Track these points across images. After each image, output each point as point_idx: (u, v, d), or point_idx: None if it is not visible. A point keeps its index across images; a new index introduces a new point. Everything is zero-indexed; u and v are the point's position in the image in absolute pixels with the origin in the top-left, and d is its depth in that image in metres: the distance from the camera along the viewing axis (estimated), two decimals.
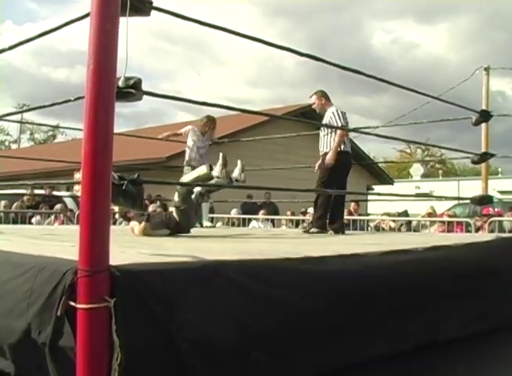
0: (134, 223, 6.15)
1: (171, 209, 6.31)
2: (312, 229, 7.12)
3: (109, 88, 2.42)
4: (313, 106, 7.76)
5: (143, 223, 5.92)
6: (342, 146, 7.19)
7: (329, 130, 7.25)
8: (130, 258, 2.71)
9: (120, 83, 3.10)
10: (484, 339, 4.59)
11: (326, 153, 7.25)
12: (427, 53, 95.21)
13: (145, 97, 3.37)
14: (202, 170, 6.03)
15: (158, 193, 16.41)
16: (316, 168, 7.51)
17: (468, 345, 4.36)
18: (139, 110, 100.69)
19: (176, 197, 6.17)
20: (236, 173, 6.43)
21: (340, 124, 7.11)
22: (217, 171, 6.07)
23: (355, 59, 78.70)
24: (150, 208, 11.37)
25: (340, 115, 7.18)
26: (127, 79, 3.16)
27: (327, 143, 7.27)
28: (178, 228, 6.00)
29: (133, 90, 3.20)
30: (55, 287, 2.40)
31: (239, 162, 6.50)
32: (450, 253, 4.73)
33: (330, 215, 7.28)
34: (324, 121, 7.43)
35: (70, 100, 4.04)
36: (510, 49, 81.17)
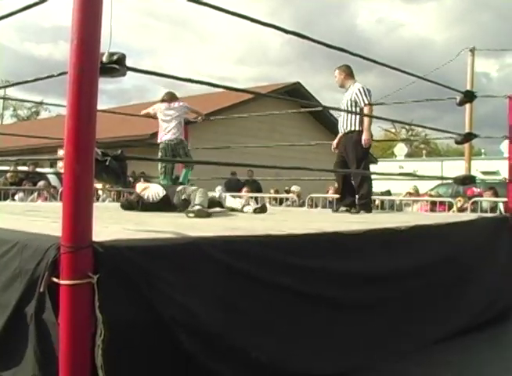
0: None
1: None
2: (362, 212, 6.84)
3: (92, 63, 2.39)
4: (335, 81, 7.42)
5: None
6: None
7: (353, 107, 6.96)
8: (113, 235, 2.71)
9: (104, 58, 3.07)
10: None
11: (350, 132, 6.99)
12: (413, 33, 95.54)
13: (128, 73, 3.34)
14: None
15: (142, 171, 16.36)
16: (334, 146, 7.29)
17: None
18: (123, 86, 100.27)
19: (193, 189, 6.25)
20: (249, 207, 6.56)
21: (366, 102, 6.88)
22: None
23: (341, 39, 78.58)
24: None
25: (367, 92, 6.94)
26: (110, 55, 3.13)
27: (351, 122, 6.99)
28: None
29: (117, 66, 3.16)
30: (39, 263, 2.40)
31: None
32: (433, 232, 4.78)
33: (346, 194, 7.17)
34: (348, 98, 7.08)
35: (53, 76, 3.99)
36: (495, 30, 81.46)
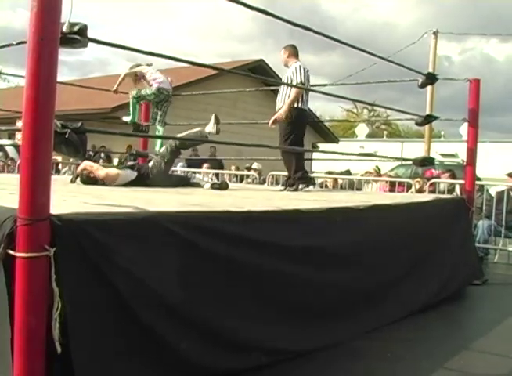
0: (111, 169, 6.25)
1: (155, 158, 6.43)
2: (301, 186, 6.87)
3: (53, 32, 2.35)
4: (280, 60, 7.45)
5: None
6: (299, 103, 6.93)
7: (288, 86, 6.98)
8: (71, 208, 2.69)
9: (65, 28, 3.02)
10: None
11: (280, 109, 7.03)
12: (377, 14, 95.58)
13: (90, 45, 3.29)
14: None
15: (102, 145, 16.20)
16: (271, 122, 7.20)
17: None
18: (84, 58, 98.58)
19: (162, 149, 6.44)
20: (209, 127, 6.60)
21: (299, 81, 6.83)
22: (210, 127, 6.56)
23: (304, 17, 78.47)
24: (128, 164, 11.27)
25: (302, 71, 6.91)
26: (72, 25, 3.08)
27: (284, 99, 7.02)
28: (146, 178, 6.12)
29: (78, 36, 3.12)
30: None
31: (212, 116, 6.68)
32: (391, 211, 4.85)
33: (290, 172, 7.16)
34: (285, 76, 7.15)
35: (12, 44, 3.92)
36: (457, 14, 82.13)
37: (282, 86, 7.25)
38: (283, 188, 7.21)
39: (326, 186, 11.05)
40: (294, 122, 6.89)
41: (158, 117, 8.55)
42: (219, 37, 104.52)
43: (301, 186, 6.83)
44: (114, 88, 8.80)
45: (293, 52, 7.28)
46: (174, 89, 8.84)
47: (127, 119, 8.71)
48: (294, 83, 6.82)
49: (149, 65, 8.47)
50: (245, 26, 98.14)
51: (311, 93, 7.18)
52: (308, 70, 7.04)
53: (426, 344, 4.06)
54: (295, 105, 6.88)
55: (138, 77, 8.50)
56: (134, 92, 8.45)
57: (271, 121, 7.12)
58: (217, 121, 6.61)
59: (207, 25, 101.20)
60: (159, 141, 8.56)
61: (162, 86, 8.26)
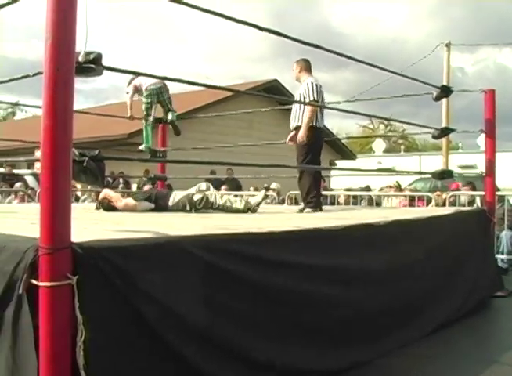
0: (128, 200, 6.19)
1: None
2: (307, 209, 6.66)
3: (68, 63, 2.37)
4: (292, 75, 7.27)
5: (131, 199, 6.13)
6: (314, 122, 6.72)
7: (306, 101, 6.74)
8: (92, 235, 2.69)
9: (80, 58, 3.05)
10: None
11: (298, 127, 6.80)
12: (387, 29, 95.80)
13: (105, 72, 3.32)
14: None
15: (120, 171, 16.30)
16: (287, 140, 7.13)
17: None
18: (99, 86, 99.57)
19: (197, 197, 6.23)
20: (256, 199, 6.47)
21: (312, 98, 6.65)
22: (257, 199, 6.43)
23: (315, 35, 78.72)
24: (146, 187, 11.30)
25: (314, 88, 6.71)
26: (87, 54, 3.11)
27: (299, 117, 6.81)
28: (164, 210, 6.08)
29: (93, 65, 3.15)
30: (17, 265, 2.36)
31: (262, 193, 6.62)
32: (412, 226, 4.81)
33: (307, 193, 6.90)
34: (298, 92, 6.96)
35: (28, 76, 3.97)
36: (467, 25, 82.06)
37: (295, 104, 7.08)
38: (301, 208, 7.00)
39: (339, 202, 10.99)
40: (310, 142, 6.70)
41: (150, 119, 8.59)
42: (231, 59, 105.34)
43: (306, 210, 6.67)
44: (129, 115, 8.88)
45: (306, 66, 7.07)
46: (189, 113, 8.93)
47: (142, 147, 8.76)
48: (307, 100, 6.69)
49: None
50: (256, 46, 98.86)
51: (326, 110, 7.09)
52: (320, 86, 6.86)
53: (453, 358, 4.01)
54: (312, 124, 6.69)
55: (139, 91, 8.60)
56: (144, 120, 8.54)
57: (287, 139, 7.06)
58: (265, 197, 6.56)
59: (218, 47, 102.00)
60: (148, 137, 8.68)
61: (148, 87, 8.32)
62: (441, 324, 4.66)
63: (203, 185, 6.50)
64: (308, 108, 6.67)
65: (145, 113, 8.53)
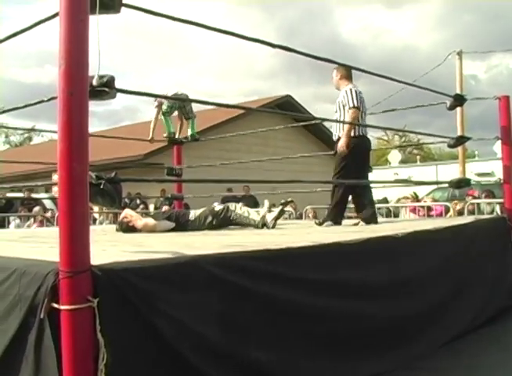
0: (148, 220, 6.22)
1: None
2: (326, 223, 6.51)
3: (82, 87, 2.40)
4: (332, 82, 7.05)
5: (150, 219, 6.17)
6: (356, 130, 6.52)
7: (342, 111, 6.62)
8: (111, 257, 2.70)
9: (94, 82, 3.08)
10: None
11: (338, 139, 6.60)
12: (397, 39, 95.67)
13: (118, 94, 3.35)
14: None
15: (137, 191, 16.36)
16: (334, 152, 6.82)
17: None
18: (112, 108, 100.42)
19: (218, 207, 6.33)
20: (271, 216, 6.38)
21: (351, 105, 6.46)
22: (271, 216, 6.32)
23: (325, 47, 78.90)
24: (164, 208, 11.39)
25: (354, 94, 6.53)
26: (100, 77, 3.14)
27: (340, 126, 6.60)
28: (184, 228, 6.11)
29: (106, 88, 3.18)
30: (38, 289, 2.37)
31: (278, 210, 6.54)
32: (431, 237, 4.78)
33: (357, 205, 6.83)
34: (337, 101, 6.75)
35: (43, 101, 4.00)
36: (478, 32, 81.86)
37: (334, 115, 6.80)
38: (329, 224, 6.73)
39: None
40: (353, 153, 6.47)
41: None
42: (241, 76, 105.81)
43: (326, 224, 6.53)
44: (150, 137, 8.99)
45: (346, 73, 6.83)
46: (204, 131, 9.02)
47: (165, 135, 9.00)
48: (347, 108, 6.52)
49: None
50: (266, 62, 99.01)
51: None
52: (360, 92, 6.66)
53: (468, 371, 3.92)
54: (352, 133, 6.50)
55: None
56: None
57: (339, 150, 6.63)
58: (279, 215, 6.49)
59: (228, 64, 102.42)
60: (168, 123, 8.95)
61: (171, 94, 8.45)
62: (457, 335, 4.59)
63: (215, 204, 6.56)
64: (349, 115, 6.49)
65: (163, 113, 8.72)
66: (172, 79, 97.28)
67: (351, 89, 6.59)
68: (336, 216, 6.63)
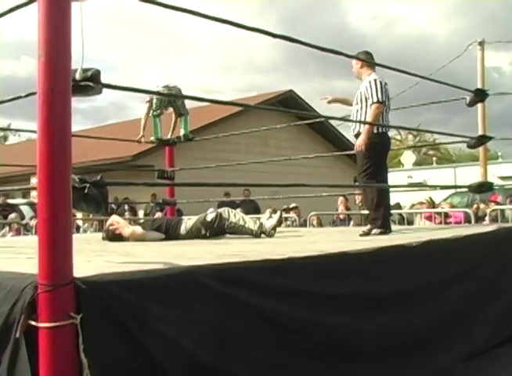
0: (136, 228, 6.21)
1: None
2: (374, 231, 6.20)
3: (64, 81, 2.40)
4: (352, 70, 6.82)
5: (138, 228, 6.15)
6: (379, 127, 6.33)
7: (363, 104, 6.39)
8: (96, 269, 2.70)
9: (77, 76, 3.07)
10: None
11: (357, 134, 6.42)
12: (411, 28, 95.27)
13: (104, 90, 3.34)
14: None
15: (125, 196, 16.35)
16: (357, 150, 6.50)
17: None
18: (98, 104, 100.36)
19: (211, 216, 6.26)
20: (270, 222, 6.35)
21: (375, 99, 6.24)
22: (271, 222, 6.31)
23: (331, 38, 78.80)
24: (157, 215, 11.39)
25: (379, 86, 6.29)
26: (84, 71, 3.13)
27: (362, 120, 6.41)
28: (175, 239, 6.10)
29: (91, 83, 3.17)
30: (14, 305, 2.36)
31: (278, 214, 6.51)
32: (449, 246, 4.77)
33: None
34: (358, 92, 6.55)
35: (20, 97, 4.00)
36: (502, 20, 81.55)
37: (354, 106, 6.63)
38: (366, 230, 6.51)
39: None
40: (374, 151, 6.30)
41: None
42: (240, 70, 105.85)
43: (374, 232, 6.20)
44: (140, 135, 9.01)
45: (369, 61, 6.54)
46: (199, 130, 9.02)
47: (152, 139, 9.00)
48: (369, 102, 6.33)
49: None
50: (267, 55, 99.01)
51: (348, 123, 6.87)
52: (385, 84, 6.45)
53: None
54: (374, 130, 6.29)
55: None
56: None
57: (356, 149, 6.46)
58: (279, 223, 6.46)
59: (226, 57, 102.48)
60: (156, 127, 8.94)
61: (161, 86, 8.44)
62: (470, 354, 4.58)
63: (210, 210, 6.53)
64: (372, 109, 6.31)
65: (153, 110, 8.72)
66: (164, 73, 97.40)
67: (375, 80, 6.38)
68: (385, 222, 6.39)
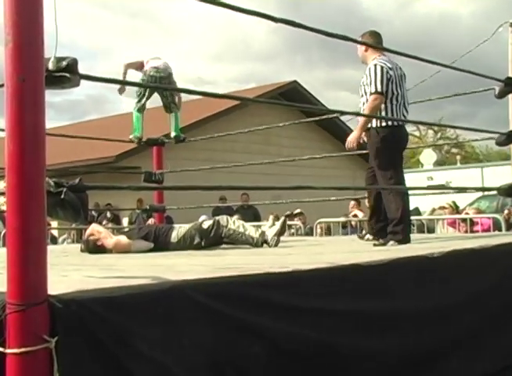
0: (121, 237, 6.19)
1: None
2: (391, 243, 6.05)
3: (36, 71, 2.38)
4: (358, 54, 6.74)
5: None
6: (388, 120, 6.27)
7: (368, 95, 6.28)
8: (74, 285, 2.68)
9: (51, 65, 3.06)
10: None
11: (368, 129, 6.36)
12: (430, 8, 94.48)
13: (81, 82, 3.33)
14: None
15: (108, 202, 16.34)
16: (347, 146, 6.56)
17: None
18: (74, 98, 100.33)
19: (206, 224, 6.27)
20: (272, 231, 6.36)
21: (373, 90, 6.15)
22: (272, 231, 6.32)
23: (339, 21, 78.63)
24: (150, 221, 11.38)
25: (378, 73, 6.16)
26: (58, 60, 3.12)
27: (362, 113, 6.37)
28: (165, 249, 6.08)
29: (67, 74, 3.16)
30: None
31: (281, 220, 6.55)
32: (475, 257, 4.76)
33: (376, 216, 6.64)
34: (361, 81, 6.48)
35: None
36: None
37: (361, 99, 6.56)
38: (369, 238, 6.69)
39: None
40: (386, 147, 6.27)
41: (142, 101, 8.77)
42: (236, 58, 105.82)
43: (391, 243, 6.06)
44: (119, 87, 8.94)
45: (375, 43, 6.41)
46: (190, 127, 8.98)
47: (131, 137, 8.95)
48: (368, 91, 6.27)
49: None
50: (266, 41, 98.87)
51: (359, 118, 6.74)
52: (391, 68, 6.26)
53: None
54: (383, 123, 6.26)
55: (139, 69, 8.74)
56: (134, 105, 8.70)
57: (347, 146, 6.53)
58: (283, 231, 6.49)
59: (220, 43, 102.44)
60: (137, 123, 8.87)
61: (149, 71, 8.57)
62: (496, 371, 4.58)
63: (203, 218, 6.53)
64: (368, 103, 6.25)
65: (137, 99, 8.65)
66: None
67: (375, 66, 6.24)
68: (406, 234, 6.25)
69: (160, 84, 8.48)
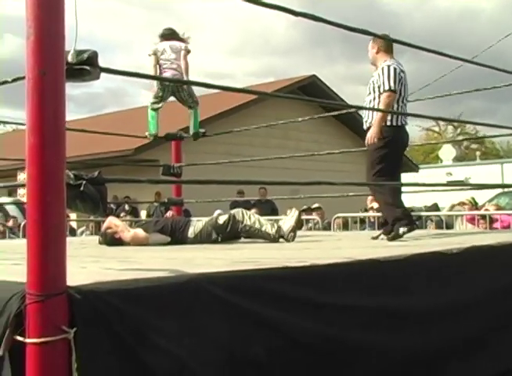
0: (138, 231, 6.22)
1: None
2: (402, 229, 6.14)
3: (57, 64, 2.39)
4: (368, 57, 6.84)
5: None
6: (393, 119, 6.31)
7: (376, 93, 6.41)
8: (93, 277, 2.69)
9: (70, 58, 3.06)
10: None
11: (369, 127, 6.45)
12: (452, 1, 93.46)
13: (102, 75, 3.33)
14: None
15: (126, 195, 16.37)
16: (366, 143, 6.56)
17: None
18: (93, 90, 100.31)
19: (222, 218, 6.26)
20: (287, 224, 6.36)
21: (387, 87, 6.26)
22: (288, 224, 6.33)
23: (359, 16, 78.06)
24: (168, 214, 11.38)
25: (392, 73, 6.30)
26: (78, 53, 3.12)
27: (370, 113, 6.47)
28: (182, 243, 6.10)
29: (88, 67, 3.16)
30: None
31: (296, 214, 6.52)
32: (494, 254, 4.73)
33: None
34: (371, 80, 6.57)
35: (7, 82, 4.00)
36: None
37: (367, 97, 6.64)
38: (376, 235, 6.68)
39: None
40: (386, 146, 6.35)
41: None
42: (255, 52, 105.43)
43: (401, 230, 6.14)
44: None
45: (385, 46, 6.56)
46: (208, 121, 8.94)
47: (146, 134, 8.93)
48: (381, 90, 6.35)
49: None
50: (285, 35, 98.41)
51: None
52: (402, 71, 6.46)
53: None
54: (387, 123, 6.32)
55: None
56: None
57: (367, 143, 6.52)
58: (298, 225, 6.52)
59: (239, 37, 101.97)
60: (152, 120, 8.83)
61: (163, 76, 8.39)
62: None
63: (218, 212, 6.51)
64: (383, 98, 6.34)
65: (153, 99, 8.60)
66: None
67: (389, 66, 6.38)
68: (409, 219, 6.45)
69: (177, 90, 8.45)
